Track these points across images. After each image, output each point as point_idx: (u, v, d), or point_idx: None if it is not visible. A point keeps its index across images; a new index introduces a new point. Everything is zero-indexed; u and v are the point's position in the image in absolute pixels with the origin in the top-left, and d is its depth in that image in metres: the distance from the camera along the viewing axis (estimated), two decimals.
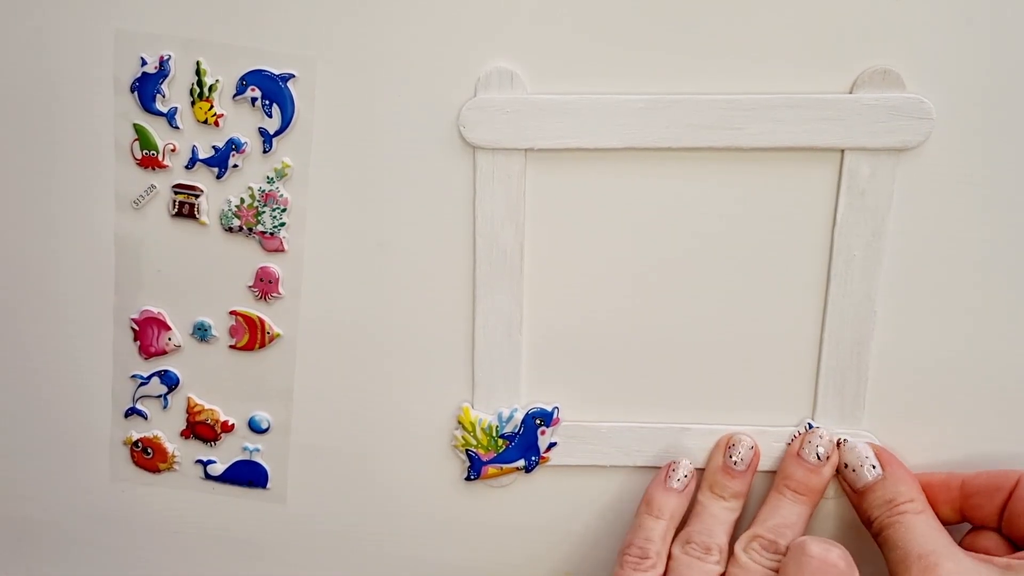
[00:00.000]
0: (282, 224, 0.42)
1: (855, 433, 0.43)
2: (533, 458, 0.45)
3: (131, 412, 0.46)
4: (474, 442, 0.44)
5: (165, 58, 0.41)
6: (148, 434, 0.46)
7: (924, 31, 0.38)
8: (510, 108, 0.40)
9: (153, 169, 0.42)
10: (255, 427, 0.45)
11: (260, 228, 0.42)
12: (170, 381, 0.45)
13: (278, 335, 0.44)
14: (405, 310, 0.43)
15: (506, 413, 0.44)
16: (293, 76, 0.41)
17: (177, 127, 0.41)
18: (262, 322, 0.44)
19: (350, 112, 0.41)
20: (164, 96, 0.41)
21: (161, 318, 0.44)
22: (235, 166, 0.42)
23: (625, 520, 0.46)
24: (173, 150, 0.42)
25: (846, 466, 0.42)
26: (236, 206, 0.42)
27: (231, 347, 0.44)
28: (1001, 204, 0.40)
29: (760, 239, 0.42)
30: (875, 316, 0.42)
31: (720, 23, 0.39)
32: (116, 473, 0.47)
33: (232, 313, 0.44)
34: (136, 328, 0.44)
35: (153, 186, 0.42)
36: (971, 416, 0.43)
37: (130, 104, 0.42)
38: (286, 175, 0.42)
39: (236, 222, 0.42)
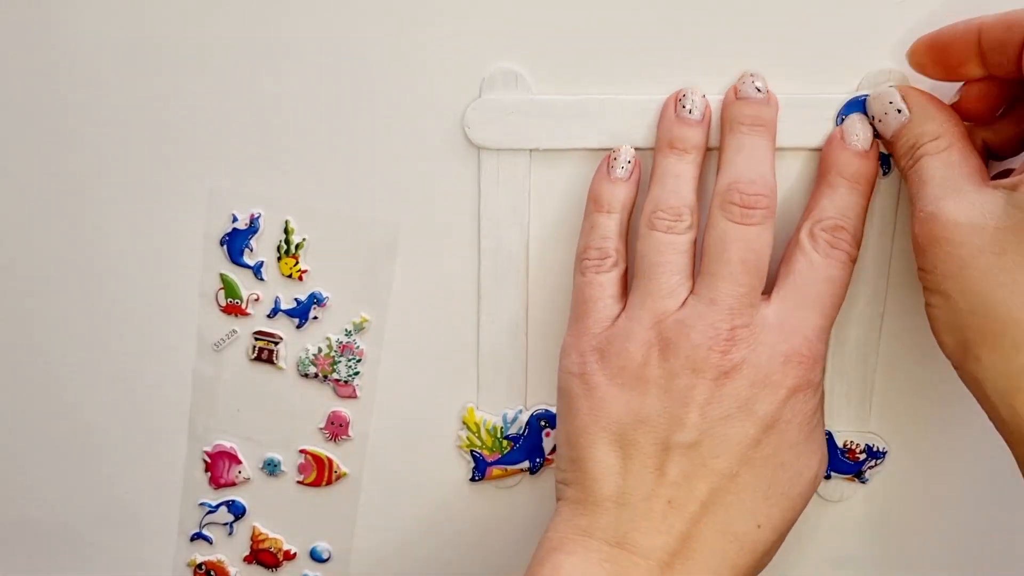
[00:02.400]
0: (356, 373, 0.44)
1: (862, 433, 0.43)
2: (538, 460, 0.45)
3: (197, 536, 0.48)
4: (479, 443, 0.44)
5: (255, 215, 0.43)
6: (212, 558, 0.48)
7: (927, 31, 0.38)
8: (515, 109, 0.40)
9: (236, 316, 0.44)
10: (316, 556, 0.47)
11: (335, 376, 0.44)
12: (237, 510, 0.47)
13: (344, 474, 0.46)
14: (409, 311, 0.43)
15: (511, 414, 0.44)
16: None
17: (262, 279, 0.43)
18: (330, 461, 0.45)
19: (352, 113, 0.41)
20: (252, 250, 0.43)
21: (233, 452, 0.46)
22: (315, 318, 0.43)
23: None
24: (256, 300, 0.44)
25: (874, 118, 0.38)
26: (314, 355, 0.44)
27: (299, 482, 0.46)
28: None
29: None
30: (882, 317, 0.42)
31: (725, 23, 0.39)
32: None
33: (302, 451, 0.45)
34: (208, 460, 0.46)
35: (234, 331, 0.44)
36: (978, 416, 0.43)
37: (219, 256, 0.43)
38: (363, 328, 0.43)
39: (312, 369, 0.44)
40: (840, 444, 0.43)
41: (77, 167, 0.43)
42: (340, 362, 0.44)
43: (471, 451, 0.44)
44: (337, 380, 0.44)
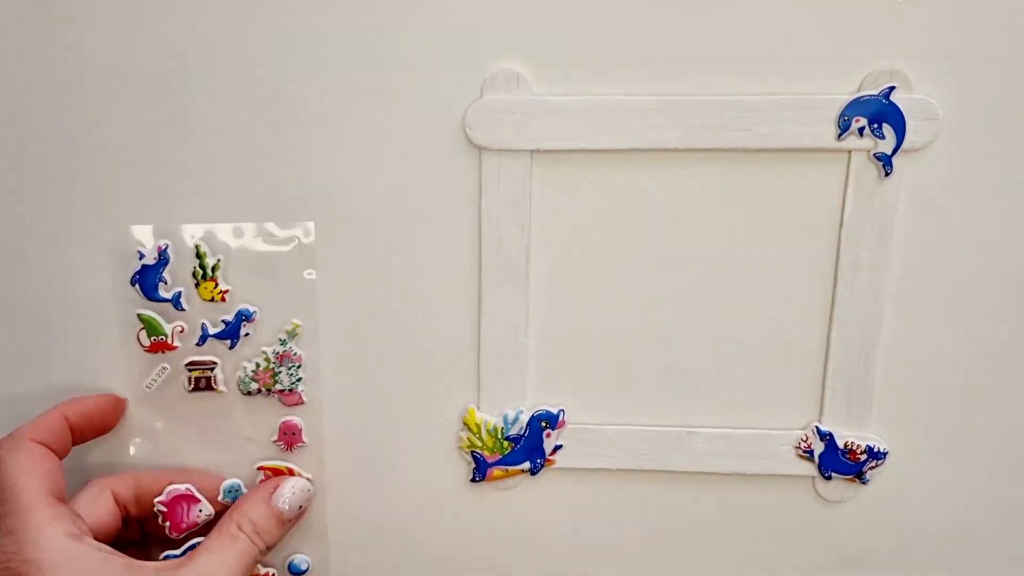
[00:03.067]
0: (299, 380, 0.44)
1: (862, 436, 0.43)
2: (539, 460, 0.44)
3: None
4: (479, 444, 0.44)
5: (163, 247, 0.42)
6: None
7: (931, 31, 0.38)
8: (516, 109, 0.40)
9: (163, 352, 0.43)
10: (295, 570, 0.46)
11: (279, 387, 0.43)
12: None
13: (308, 481, 0.45)
14: (411, 311, 0.43)
15: (511, 415, 0.44)
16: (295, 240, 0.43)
17: (183, 309, 0.43)
18: (291, 471, 0.45)
19: (354, 114, 0.41)
20: (167, 283, 0.42)
21: (189, 492, 0.44)
22: (246, 334, 0.43)
23: (630, 523, 0.46)
24: (182, 331, 0.43)
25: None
26: (252, 371, 0.43)
27: None
28: (1008, 204, 0.40)
29: (767, 240, 0.42)
30: (882, 317, 0.42)
31: (727, 24, 0.39)
32: None
33: (260, 468, 0.45)
34: (164, 509, 0.43)
35: (164, 367, 0.43)
36: (978, 417, 0.43)
37: (133, 296, 0.43)
38: (298, 334, 0.43)
39: (254, 385, 0.43)
40: (841, 445, 0.43)
41: None
42: (281, 372, 0.43)
43: (472, 452, 0.44)
44: (281, 390, 0.43)
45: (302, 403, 0.44)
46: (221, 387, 0.44)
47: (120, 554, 0.38)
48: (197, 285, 0.42)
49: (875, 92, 0.39)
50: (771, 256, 0.42)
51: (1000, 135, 0.40)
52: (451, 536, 0.46)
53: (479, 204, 0.42)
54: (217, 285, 0.42)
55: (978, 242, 0.41)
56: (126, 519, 0.43)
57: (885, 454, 0.43)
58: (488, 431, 0.44)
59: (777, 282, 0.42)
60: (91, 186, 0.42)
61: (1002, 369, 0.43)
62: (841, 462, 0.44)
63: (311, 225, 0.42)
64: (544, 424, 0.44)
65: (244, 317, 0.43)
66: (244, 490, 0.44)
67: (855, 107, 0.39)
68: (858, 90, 0.39)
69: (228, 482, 0.44)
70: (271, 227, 0.42)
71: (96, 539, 0.39)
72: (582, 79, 0.40)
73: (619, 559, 0.46)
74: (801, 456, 0.44)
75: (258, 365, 0.43)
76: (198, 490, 0.44)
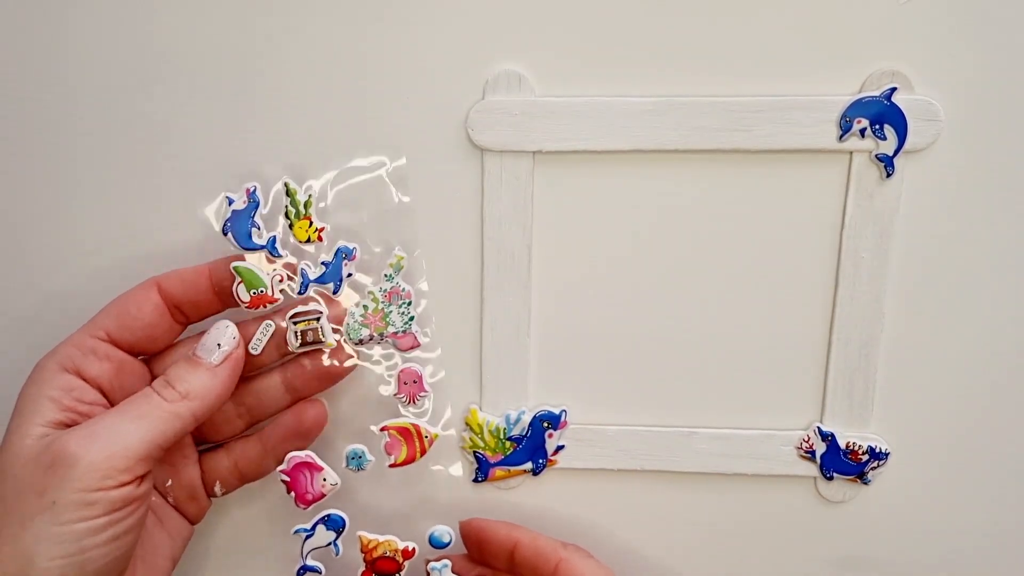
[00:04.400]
0: (411, 319, 0.41)
1: (864, 436, 0.43)
2: (541, 461, 0.45)
3: (304, 571, 0.42)
4: (482, 444, 0.44)
5: (251, 189, 0.39)
6: None
7: (932, 33, 0.38)
8: (518, 110, 0.40)
9: (264, 307, 0.40)
10: (436, 543, 0.42)
11: (391, 329, 0.40)
12: (336, 525, 0.42)
13: (436, 436, 0.42)
14: (412, 312, 0.43)
15: (514, 415, 0.44)
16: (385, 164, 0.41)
17: (279, 255, 0.40)
18: (417, 428, 0.42)
19: (355, 115, 0.41)
20: (259, 229, 0.39)
21: (310, 460, 0.41)
22: (349, 275, 0.40)
23: (633, 524, 0.46)
24: (281, 280, 0.40)
25: None
26: (361, 315, 0.40)
27: (391, 466, 0.42)
28: (1009, 205, 0.40)
29: (768, 241, 0.42)
30: (883, 318, 0.42)
31: (728, 25, 0.39)
32: None
33: (383, 429, 0.42)
34: (287, 479, 0.41)
35: (269, 323, 0.40)
36: (980, 417, 0.43)
37: (227, 248, 0.40)
38: (403, 267, 0.40)
39: (365, 332, 0.40)
40: (843, 445, 0.43)
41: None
42: (392, 311, 0.40)
43: (474, 452, 0.44)
44: (395, 333, 0.40)
45: (418, 345, 0.41)
46: (330, 338, 0.40)
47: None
48: (291, 227, 0.39)
49: (877, 93, 0.39)
50: (772, 257, 0.42)
51: (1001, 136, 0.40)
52: (453, 535, 0.46)
53: (481, 205, 0.42)
54: (312, 223, 0.39)
55: (979, 243, 0.41)
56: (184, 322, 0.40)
57: (887, 454, 0.43)
58: (490, 431, 0.44)
59: (779, 283, 0.42)
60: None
61: (1003, 369, 0.43)
62: (843, 462, 0.44)
63: (400, 152, 0.40)
64: (546, 424, 0.44)
65: (344, 255, 0.40)
66: (369, 457, 0.41)
67: (856, 108, 0.39)
68: (859, 91, 0.39)
69: (351, 448, 0.41)
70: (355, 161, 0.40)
71: (136, 342, 0.39)
72: (584, 80, 0.40)
73: (620, 559, 0.46)
74: (803, 456, 0.44)
75: (365, 308, 0.40)
76: (319, 457, 0.41)
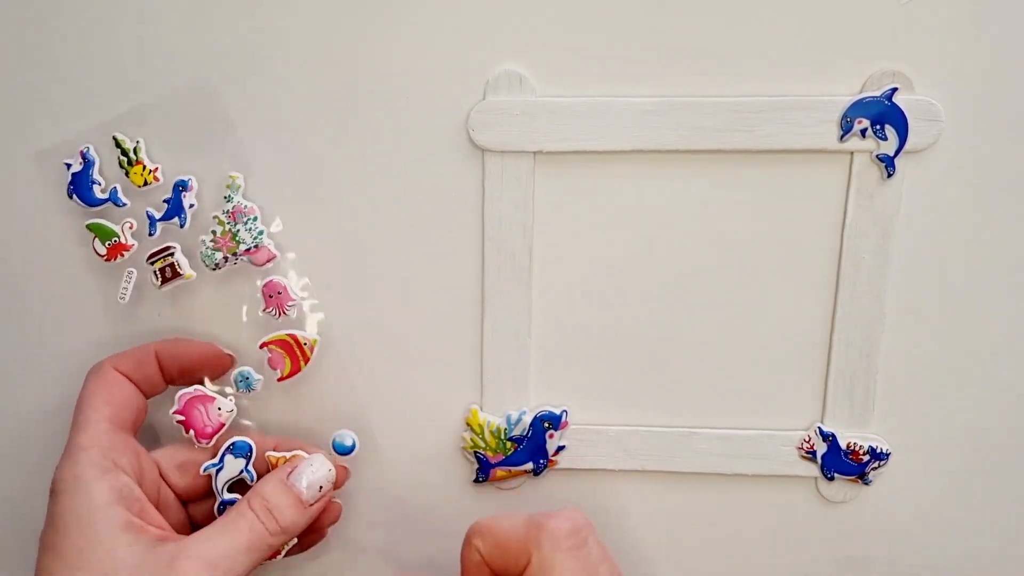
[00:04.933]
0: (260, 233, 0.41)
1: (865, 436, 0.43)
2: (541, 461, 0.45)
3: (223, 505, 0.42)
4: (483, 444, 0.44)
5: (84, 150, 0.41)
6: None
7: (933, 33, 0.38)
8: (519, 111, 0.40)
9: (122, 255, 0.41)
10: (340, 450, 0.43)
11: (244, 247, 0.41)
12: (242, 451, 0.41)
13: (315, 340, 0.42)
14: (414, 312, 0.43)
15: (515, 416, 0.44)
16: None
17: (124, 204, 0.41)
18: (294, 338, 0.42)
19: (357, 115, 0.41)
20: (100, 184, 0.41)
21: (199, 393, 0.41)
22: (191, 206, 0.41)
23: (634, 524, 0.46)
24: (132, 228, 0.41)
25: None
26: (211, 241, 0.41)
27: (280, 379, 0.42)
28: (1010, 206, 0.40)
29: (769, 241, 0.42)
30: (884, 318, 0.42)
31: (729, 25, 0.39)
32: None
33: (262, 346, 0.42)
34: (183, 418, 0.41)
35: (130, 271, 0.42)
36: (980, 418, 0.43)
37: (75, 210, 0.42)
38: (239, 186, 0.41)
39: (219, 255, 0.41)
40: (843, 446, 0.43)
41: None
42: (239, 230, 0.41)
43: (475, 452, 0.44)
44: (247, 250, 0.41)
45: (274, 256, 0.41)
46: (188, 271, 0.41)
47: (146, 528, 0.37)
48: (127, 175, 0.41)
49: (877, 93, 0.39)
50: (773, 257, 0.42)
51: (1003, 136, 0.40)
52: (455, 537, 0.46)
53: (482, 205, 0.42)
54: (146, 166, 0.41)
55: (980, 243, 0.41)
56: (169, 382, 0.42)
57: (888, 455, 0.43)
58: (491, 432, 0.44)
59: (779, 283, 0.42)
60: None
61: (1004, 369, 0.43)
62: (843, 463, 0.44)
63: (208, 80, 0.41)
64: (547, 425, 0.44)
65: (181, 187, 0.41)
66: (257, 376, 0.42)
67: (857, 108, 0.39)
68: (860, 91, 0.39)
69: (236, 371, 0.42)
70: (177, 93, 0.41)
71: (133, 424, 0.39)
72: (585, 81, 0.40)
73: (621, 560, 0.46)
74: (803, 457, 0.44)
75: (214, 232, 0.41)
76: (209, 385, 0.41)
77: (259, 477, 0.41)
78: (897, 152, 0.40)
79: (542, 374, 0.44)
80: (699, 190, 0.41)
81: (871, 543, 0.45)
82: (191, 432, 0.41)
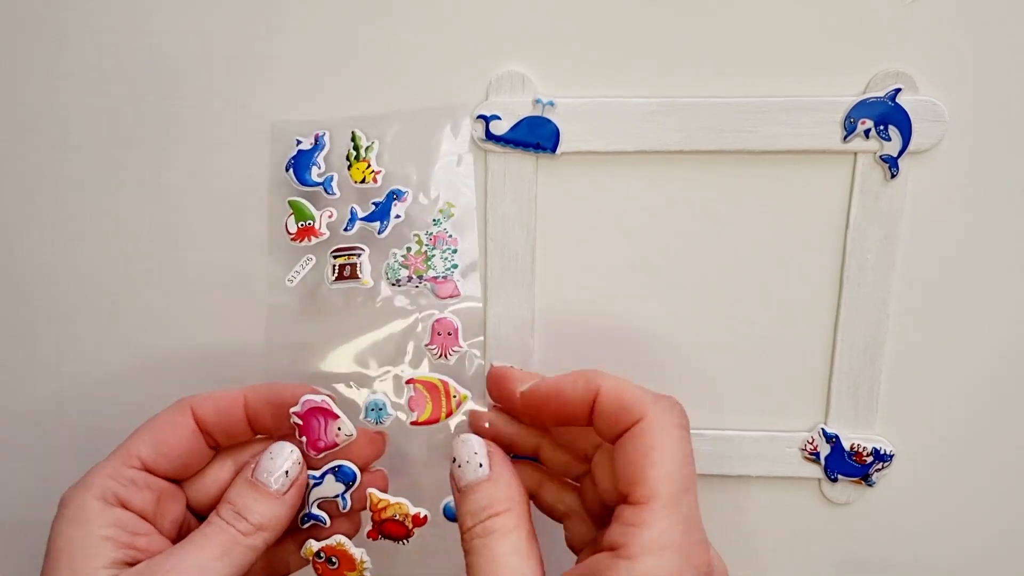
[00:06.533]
0: (454, 266, 0.39)
1: (868, 438, 0.43)
2: None
3: (308, 519, 0.40)
4: None
5: (320, 134, 0.40)
6: (331, 542, 0.39)
7: (937, 33, 0.38)
8: (521, 111, 0.40)
9: (309, 239, 0.39)
10: (450, 515, 0.40)
11: (431, 273, 0.39)
12: (346, 477, 0.39)
13: (465, 397, 0.39)
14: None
15: None
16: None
17: (334, 194, 0.40)
18: (445, 385, 0.39)
19: (361, 115, 0.41)
20: (320, 168, 0.40)
21: (326, 406, 0.38)
22: (398, 216, 0.39)
23: None
24: (331, 217, 0.39)
25: (454, 461, 0.37)
26: (403, 256, 0.39)
27: (413, 423, 0.39)
28: (1014, 206, 0.40)
29: (773, 242, 0.42)
30: (888, 319, 0.42)
31: (733, 26, 0.39)
32: None
33: (409, 382, 0.39)
34: (300, 422, 0.38)
35: (309, 257, 0.40)
36: (984, 419, 0.43)
37: (284, 184, 0.40)
38: (452, 215, 0.39)
39: (404, 272, 0.39)
40: (847, 447, 0.43)
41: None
42: (435, 255, 0.39)
43: None
44: (435, 277, 0.39)
45: (458, 294, 0.39)
46: (367, 277, 0.39)
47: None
48: (350, 168, 0.39)
49: (881, 94, 0.39)
50: (777, 258, 0.42)
51: (1006, 136, 0.40)
52: (455, 536, 0.46)
53: (484, 206, 0.42)
54: (370, 166, 0.39)
55: (985, 243, 0.41)
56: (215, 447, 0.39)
57: (891, 456, 0.43)
58: None
59: (783, 284, 0.42)
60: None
61: (1009, 371, 0.42)
62: (847, 464, 0.44)
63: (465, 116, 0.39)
64: None
65: (395, 196, 0.39)
66: (390, 411, 0.39)
67: (861, 109, 0.39)
68: (864, 92, 0.39)
69: (371, 398, 0.39)
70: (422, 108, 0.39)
71: (172, 470, 0.37)
72: (587, 81, 0.40)
73: None
74: (807, 458, 0.44)
75: (409, 249, 0.39)
76: (336, 405, 0.38)
77: (354, 509, 0.39)
78: (901, 153, 0.39)
79: (544, 374, 0.44)
80: (702, 190, 0.41)
81: (874, 545, 0.45)
82: (303, 438, 0.38)
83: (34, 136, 0.42)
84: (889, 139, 0.39)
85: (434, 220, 0.39)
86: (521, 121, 0.40)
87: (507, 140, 0.40)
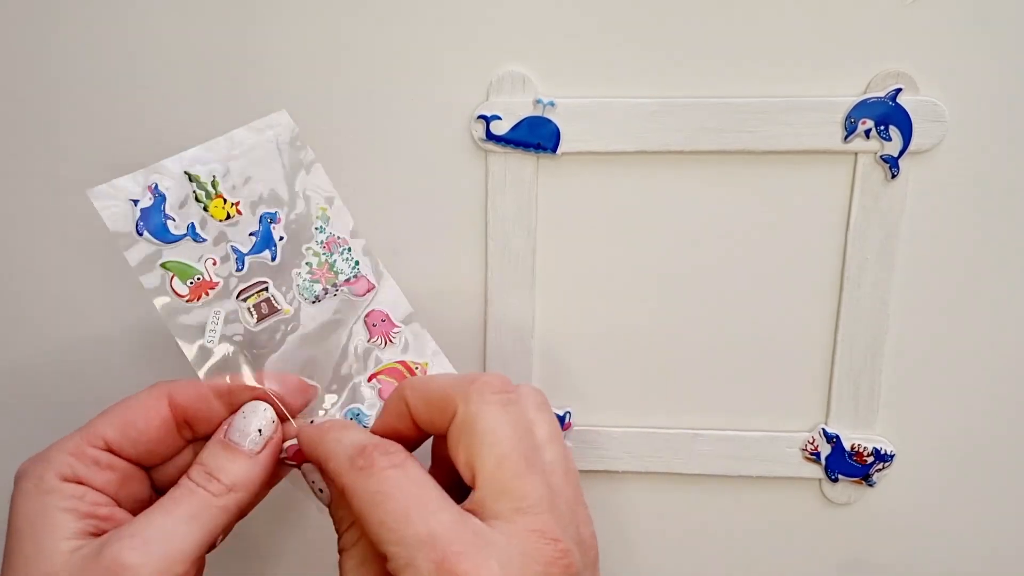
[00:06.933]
0: (357, 263, 0.39)
1: (869, 438, 0.43)
2: None
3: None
4: None
5: (153, 185, 0.36)
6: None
7: (937, 33, 0.38)
8: (522, 112, 0.40)
9: (207, 294, 0.37)
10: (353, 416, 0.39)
11: (342, 278, 0.38)
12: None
13: (426, 364, 0.39)
14: (416, 313, 0.43)
15: None
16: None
17: (203, 240, 0.37)
18: (405, 364, 0.39)
19: (363, 116, 0.41)
20: (175, 220, 0.37)
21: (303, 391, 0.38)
22: (281, 238, 0.38)
23: (636, 526, 0.46)
24: (215, 263, 0.37)
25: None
26: (308, 272, 0.38)
27: None
28: (1015, 206, 0.40)
29: (773, 243, 0.42)
30: (888, 319, 0.42)
31: (733, 26, 0.39)
32: None
33: (371, 377, 0.39)
34: (295, 464, 0.38)
35: (216, 311, 0.37)
36: (985, 419, 0.43)
37: (149, 249, 0.36)
38: (329, 216, 0.38)
39: (318, 287, 0.38)
40: (847, 447, 0.43)
41: None
42: (335, 260, 0.38)
43: None
44: (346, 280, 0.38)
45: (374, 287, 0.38)
46: (286, 305, 0.38)
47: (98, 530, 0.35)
48: (205, 209, 0.37)
49: (881, 94, 0.39)
50: (777, 258, 0.42)
51: (1007, 137, 0.40)
52: None
53: (485, 206, 0.42)
54: (226, 199, 0.37)
55: (985, 244, 0.41)
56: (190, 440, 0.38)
57: (892, 456, 0.43)
58: None
59: (783, 284, 0.42)
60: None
61: (1009, 371, 0.42)
62: (848, 464, 0.44)
63: (283, 112, 0.38)
64: None
65: (270, 219, 0.37)
66: (367, 412, 0.38)
67: (861, 109, 0.39)
68: (864, 92, 0.39)
69: (347, 408, 0.38)
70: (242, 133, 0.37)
71: (137, 455, 0.36)
72: (588, 81, 0.40)
73: (624, 561, 0.46)
74: (807, 458, 0.44)
75: (309, 264, 0.38)
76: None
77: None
78: (901, 153, 0.39)
79: (545, 375, 0.44)
80: (703, 191, 0.41)
81: (875, 545, 0.45)
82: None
83: None
84: (890, 139, 0.39)
85: (316, 228, 0.38)
86: (522, 121, 0.40)
87: (508, 140, 0.40)
